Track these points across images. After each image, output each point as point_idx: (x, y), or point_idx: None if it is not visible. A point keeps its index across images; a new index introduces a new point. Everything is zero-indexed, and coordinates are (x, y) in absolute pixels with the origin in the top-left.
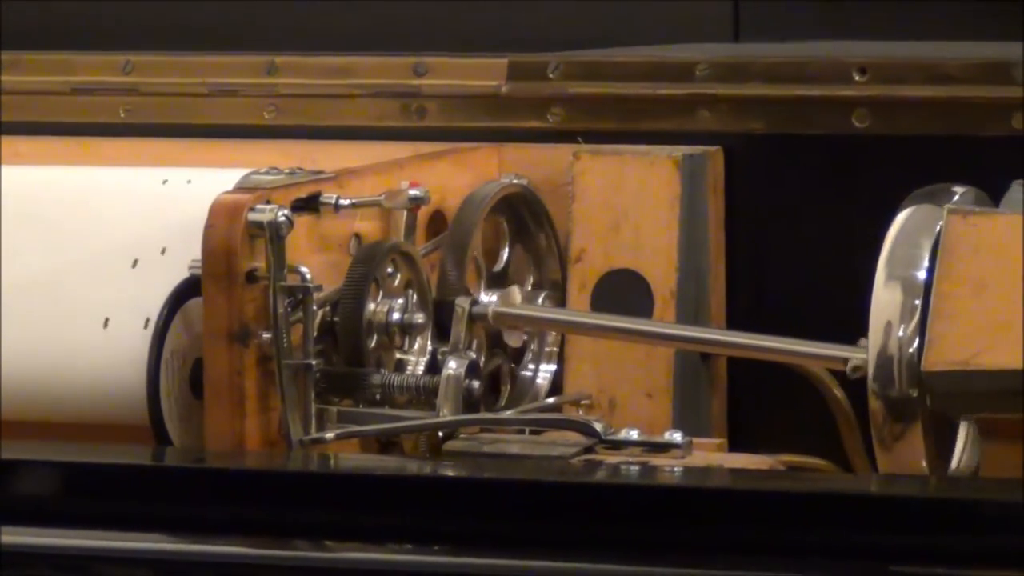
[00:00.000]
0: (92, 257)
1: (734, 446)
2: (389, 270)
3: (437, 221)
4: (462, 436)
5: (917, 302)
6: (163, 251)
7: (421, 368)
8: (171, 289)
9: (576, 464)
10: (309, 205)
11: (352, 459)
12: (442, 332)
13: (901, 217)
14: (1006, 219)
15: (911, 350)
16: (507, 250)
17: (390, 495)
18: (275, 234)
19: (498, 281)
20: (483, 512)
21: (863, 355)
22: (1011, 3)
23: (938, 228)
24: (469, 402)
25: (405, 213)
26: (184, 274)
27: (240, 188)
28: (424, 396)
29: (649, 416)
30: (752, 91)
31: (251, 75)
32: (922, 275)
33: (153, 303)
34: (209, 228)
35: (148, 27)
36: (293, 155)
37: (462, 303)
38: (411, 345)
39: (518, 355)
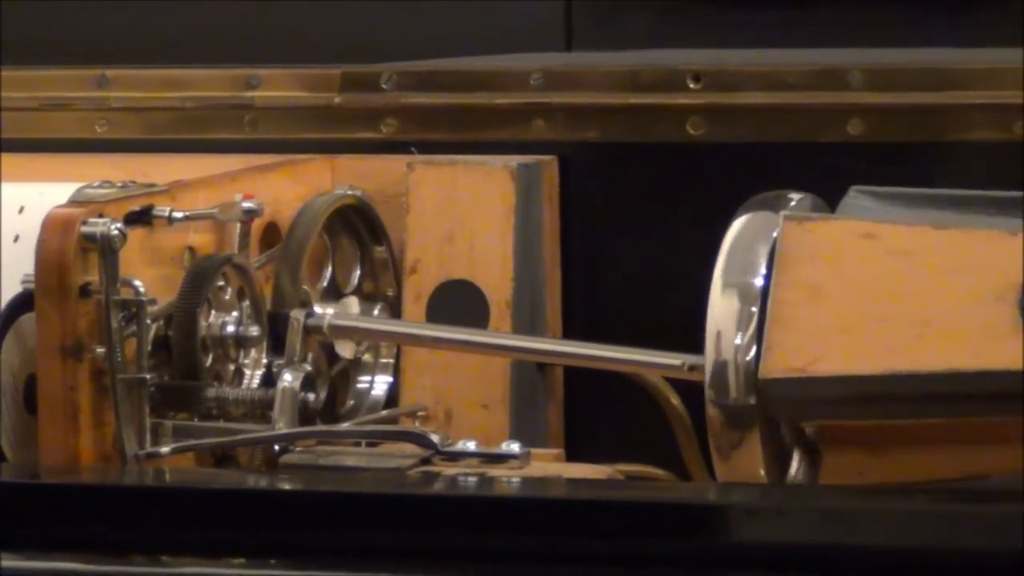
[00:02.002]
0: None
1: (572, 456)
2: (223, 283)
3: (271, 233)
4: (298, 449)
5: (754, 309)
6: None
7: (256, 381)
8: (3, 305)
9: (413, 476)
10: (142, 218)
11: (187, 473)
12: (277, 345)
13: (737, 224)
14: (842, 224)
15: (748, 358)
16: (341, 262)
17: (226, 509)
18: (108, 248)
19: (333, 293)
20: (320, 525)
21: (700, 361)
22: (843, 9)
23: (774, 235)
24: (305, 415)
25: (239, 225)
26: (17, 289)
27: (72, 202)
28: (259, 409)
29: (486, 427)
30: (587, 100)
31: (83, 88)
32: (759, 282)
33: None
34: (41, 242)
35: None
36: (126, 168)
37: (297, 315)
38: (246, 358)
39: (354, 367)
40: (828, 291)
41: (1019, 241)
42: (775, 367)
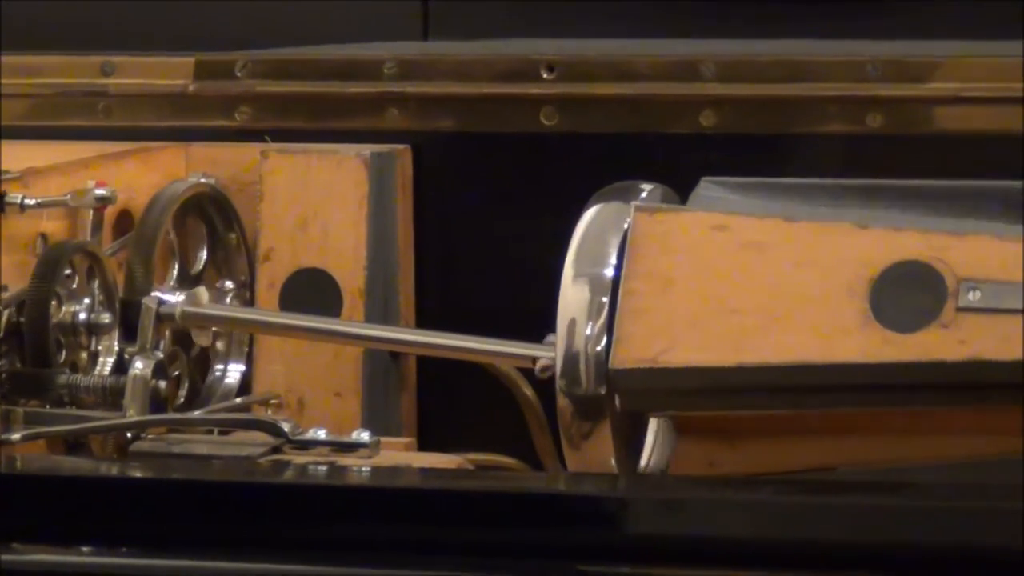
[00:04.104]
0: None
1: (424, 446)
2: (75, 270)
3: (124, 221)
4: (150, 436)
5: (605, 300)
6: None
7: (108, 368)
8: None
9: (263, 464)
10: None
11: (39, 460)
12: (130, 332)
13: (588, 215)
14: (692, 216)
15: (599, 348)
16: (195, 249)
17: (77, 496)
18: None
19: (186, 280)
20: (170, 513)
21: (551, 354)
22: (696, 2)
23: (625, 225)
24: (156, 402)
25: (92, 213)
26: None
27: None
28: (111, 396)
29: (338, 415)
30: (440, 89)
31: None
32: (609, 272)
33: None
34: None
35: None
36: None
37: (149, 303)
38: (98, 345)
39: (207, 355)
40: (679, 282)
41: (870, 235)
42: (625, 358)
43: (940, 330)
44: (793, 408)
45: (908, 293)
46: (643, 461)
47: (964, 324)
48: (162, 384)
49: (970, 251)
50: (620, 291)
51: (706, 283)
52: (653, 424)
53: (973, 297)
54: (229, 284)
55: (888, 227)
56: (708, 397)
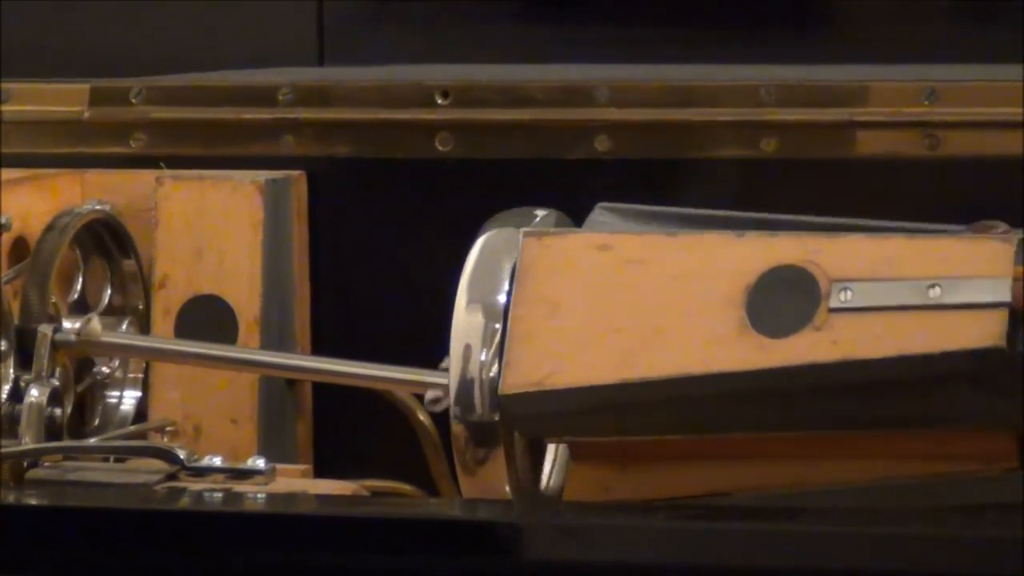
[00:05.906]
0: None
1: (321, 472)
2: None
3: (20, 248)
4: (46, 464)
5: (497, 326)
6: None
7: (4, 396)
8: None
9: (159, 491)
10: None
11: None
12: (25, 360)
13: (480, 241)
14: (578, 238)
15: (492, 374)
16: (90, 276)
17: None
18: None
19: (82, 307)
20: (65, 540)
21: (444, 381)
22: (595, 26)
23: (518, 251)
24: (52, 430)
25: None
26: None
27: None
28: (6, 424)
29: (234, 442)
30: (335, 115)
31: None
32: (502, 298)
33: None
34: None
35: None
36: None
37: (45, 330)
38: None
39: (103, 382)
40: (566, 304)
41: (745, 243)
42: (513, 383)
43: (813, 333)
44: (679, 425)
45: (783, 298)
46: (542, 485)
47: (836, 325)
48: (57, 412)
49: (842, 252)
50: (509, 317)
51: (591, 303)
52: (550, 449)
53: (844, 297)
54: (125, 311)
55: (764, 234)
56: (595, 418)
